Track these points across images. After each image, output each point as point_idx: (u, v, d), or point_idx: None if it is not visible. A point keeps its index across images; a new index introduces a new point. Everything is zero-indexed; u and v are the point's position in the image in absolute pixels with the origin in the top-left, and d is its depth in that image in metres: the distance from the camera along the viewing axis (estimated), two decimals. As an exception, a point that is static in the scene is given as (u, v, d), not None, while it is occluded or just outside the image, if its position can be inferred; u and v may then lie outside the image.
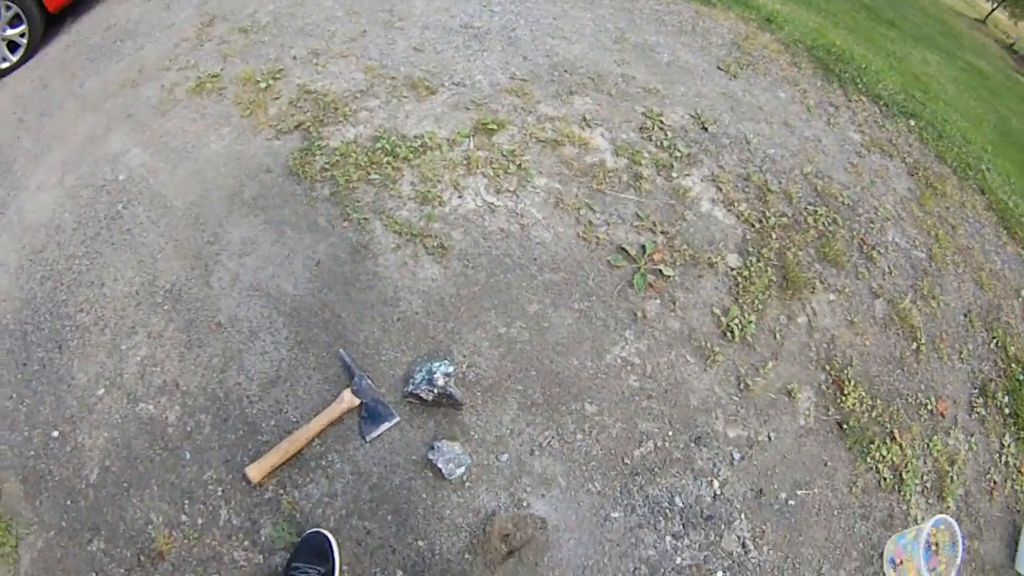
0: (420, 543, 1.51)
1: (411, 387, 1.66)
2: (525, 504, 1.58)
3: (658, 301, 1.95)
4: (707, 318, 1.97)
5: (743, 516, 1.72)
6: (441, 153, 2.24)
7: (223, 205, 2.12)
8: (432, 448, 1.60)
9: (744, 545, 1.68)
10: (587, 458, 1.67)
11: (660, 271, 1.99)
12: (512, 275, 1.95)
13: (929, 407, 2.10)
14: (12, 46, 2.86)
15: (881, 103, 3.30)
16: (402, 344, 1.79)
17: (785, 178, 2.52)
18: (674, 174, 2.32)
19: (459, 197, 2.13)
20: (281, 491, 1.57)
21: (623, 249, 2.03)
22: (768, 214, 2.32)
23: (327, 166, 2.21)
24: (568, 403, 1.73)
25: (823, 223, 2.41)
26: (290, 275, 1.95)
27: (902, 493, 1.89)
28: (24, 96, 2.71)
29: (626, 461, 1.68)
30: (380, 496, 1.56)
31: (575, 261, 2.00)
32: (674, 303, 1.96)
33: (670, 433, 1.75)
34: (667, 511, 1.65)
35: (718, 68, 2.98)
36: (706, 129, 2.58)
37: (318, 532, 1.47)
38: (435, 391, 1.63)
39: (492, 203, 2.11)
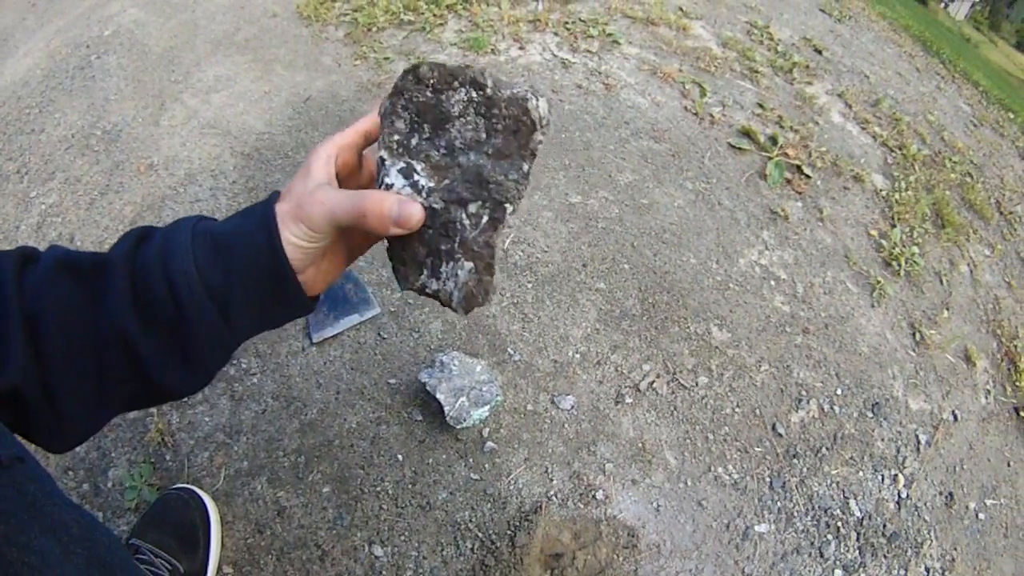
0: (377, 549, 0.81)
1: None
2: (599, 495, 0.90)
3: (800, 204, 1.37)
4: (863, 239, 1.39)
5: (933, 535, 1.09)
6: (500, 9, 1.69)
7: (207, 48, 1.61)
8: (432, 366, 0.90)
9: (933, 578, 1.05)
10: (715, 418, 1.02)
11: (799, 168, 1.43)
12: (594, 135, 1.36)
13: None
14: None
15: (980, 89, 2.92)
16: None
17: (912, 118, 2.03)
18: (795, 77, 1.81)
19: (520, 49, 1.57)
20: (152, 410, 0.90)
21: (747, 133, 1.47)
22: (906, 143, 1.81)
23: (348, 10, 1.66)
24: (683, 321, 1.10)
25: (959, 171, 1.91)
26: (265, 111, 1.37)
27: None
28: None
29: (779, 431, 1.04)
30: (321, 447, 0.88)
31: (683, 135, 1.42)
32: (820, 212, 1.38)
33: (839, 392, 1.12)
34: (840, 524, 1.01)
35: (820, 10, 2.55)
36: (820, 52, 2.09)
37: (184, 492, 0.79)
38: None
39: (566, 59, 1.54)
